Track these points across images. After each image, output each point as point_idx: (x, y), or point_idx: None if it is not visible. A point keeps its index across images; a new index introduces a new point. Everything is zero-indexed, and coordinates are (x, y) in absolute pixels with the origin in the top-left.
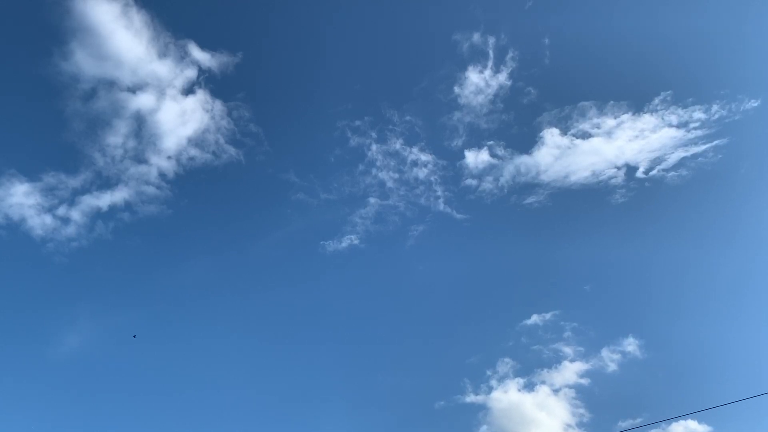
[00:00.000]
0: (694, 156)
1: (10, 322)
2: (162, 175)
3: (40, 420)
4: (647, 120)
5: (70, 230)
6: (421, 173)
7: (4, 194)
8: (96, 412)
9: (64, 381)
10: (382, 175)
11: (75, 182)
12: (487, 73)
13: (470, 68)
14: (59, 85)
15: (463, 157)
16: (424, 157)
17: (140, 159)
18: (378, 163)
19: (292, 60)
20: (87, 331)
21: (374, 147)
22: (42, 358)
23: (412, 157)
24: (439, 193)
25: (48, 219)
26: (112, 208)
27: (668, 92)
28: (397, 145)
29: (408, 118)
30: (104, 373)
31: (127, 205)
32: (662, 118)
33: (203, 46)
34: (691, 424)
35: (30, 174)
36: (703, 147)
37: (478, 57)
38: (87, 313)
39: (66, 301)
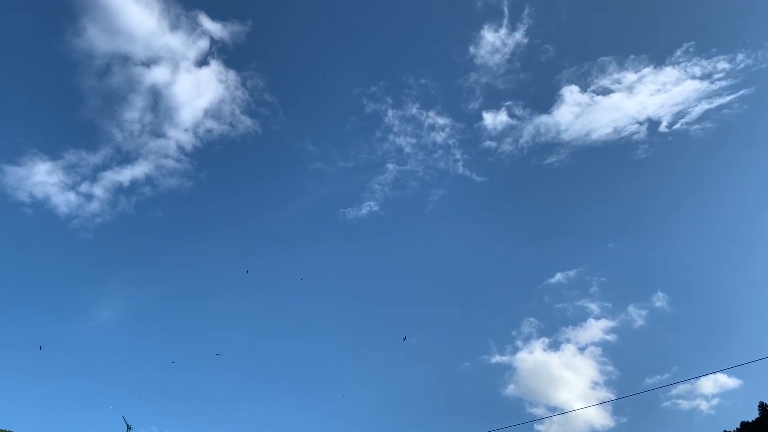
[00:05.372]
0: (719, 108)
1: (42, 298)
2: (180, 147)
3: (74, 392)
4: (669, 73)
5: (94, 206)
6: (439, 137)
7: (27, 173)
8: (124, 382)
9: (96, 352)
10: (400, 140)
11: (95, 159)
12: (503, 31)
13: (485, 27)
14: (73, 62)
15: (481, 119)
16: (442, 121)
17: (158, 133)
18: (395, 129)
19: (304, 26)
20: (117, 305)
21: (390, 112)
22: (74, 332)
23: (429, 121)
24: (458, 156)
25: (72, 196)
26: (134, 183)
27: (691, 43)
28: (414, 109)
29: (423, 81)
30: (133, 345)
31: (148, 180)
32: (685, 70)
33: (214, 17)
34: (721, 378)
35: (51, 152)
36: (728, 98)
37: (492, 15)
38: (115, 287)
39: (94, 276)
